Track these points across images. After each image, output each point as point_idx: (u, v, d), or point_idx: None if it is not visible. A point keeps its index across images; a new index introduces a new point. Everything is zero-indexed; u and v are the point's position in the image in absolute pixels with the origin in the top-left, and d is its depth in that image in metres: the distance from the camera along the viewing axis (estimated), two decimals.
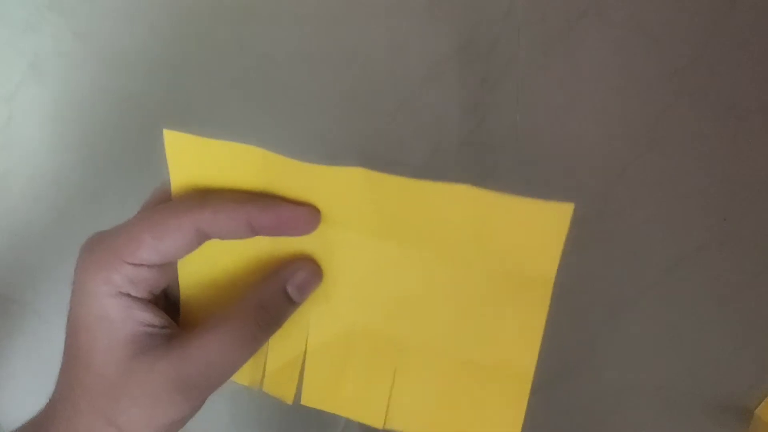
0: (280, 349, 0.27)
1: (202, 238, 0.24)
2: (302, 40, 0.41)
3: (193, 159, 0.26)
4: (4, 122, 0.43)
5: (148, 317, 0.24)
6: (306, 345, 0.27)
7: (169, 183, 0.26)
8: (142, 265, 0.24)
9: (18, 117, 0.43)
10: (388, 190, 0.25)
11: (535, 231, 0.24)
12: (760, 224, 0.37)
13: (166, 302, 0.28)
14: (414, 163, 0.40)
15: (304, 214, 0.25)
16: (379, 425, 0.27)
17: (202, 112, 0.42)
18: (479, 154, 0.40)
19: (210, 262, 0.27)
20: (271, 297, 0.25)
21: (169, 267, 0.25)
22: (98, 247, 0.24)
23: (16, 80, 0.42)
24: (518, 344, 0.26)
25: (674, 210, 0.38)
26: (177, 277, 0.27)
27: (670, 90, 0.38)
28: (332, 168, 0.24)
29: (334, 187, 0.25)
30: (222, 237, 0.24)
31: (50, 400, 0.25)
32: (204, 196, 0.25)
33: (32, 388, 0.41)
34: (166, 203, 0.25)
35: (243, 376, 0.28)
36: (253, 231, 0.24)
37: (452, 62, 0.40)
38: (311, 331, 0.27)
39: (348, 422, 0.39)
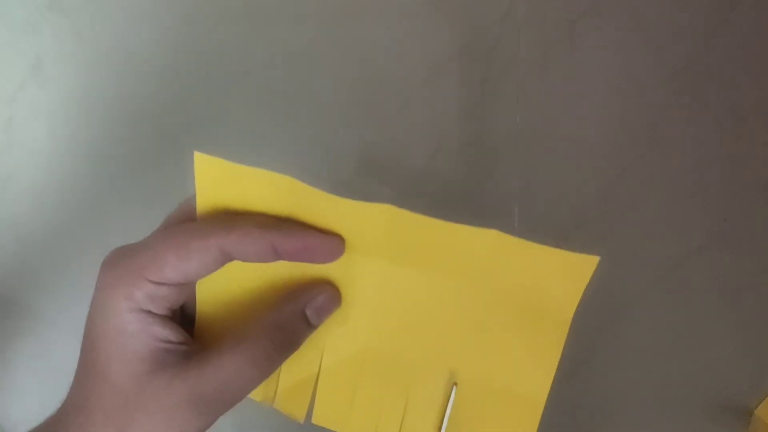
0: (294, 367, 0.28)
1: (226, 259, 0.24)
2: (303, 42, 0.41)
3: (221, 182, 0.26)
4: (6, 123, 0.43)
5: (166, 333, 0.24)
6: (320, 365, 0.27)
7: (194, 199, 0.26)
8: (164, 283, 0.24)
9: (19, 118, 0.43)
10: (412, 227, 0.25)
11: (557, 277, 0.25)
12: (760, 225, 0.37)
13: (182, 317, 0.28)
14: (415, 164, 0.40)
15: (329, 243, 0.25)
16: None
17: (202, 112, 0.42)
18: (480, 154, 0.40)
19: (228, 281, 0.27)
20: (290, 319, 0.25)
21: (189, 285, 0.25)
22: (121, 263, 0.24)
23: (17, 81, 0.43)
24: (532, 375, 0.26)
25: (674, 210, 0.38)
26: (194, 293, 0.27)
27: (669, 90, 0.38)
28: (360, 203, 0.25)
29: (360, 219, 0.25)
30: (246, 260, 0.24)
31: (62, 408, 0.25)
32: (230, 219, 0.25)
33: (34, 390, 0.41)
34: (191, 223, 0.26)
35: (256, 392, 0.28)
36: (277, 256, 0.25)
37: (453, 63, 0.40)
38: (326, 352, 0.27)
39: None
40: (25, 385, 0.41)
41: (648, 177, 0.38)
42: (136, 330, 0.24)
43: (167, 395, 0.23)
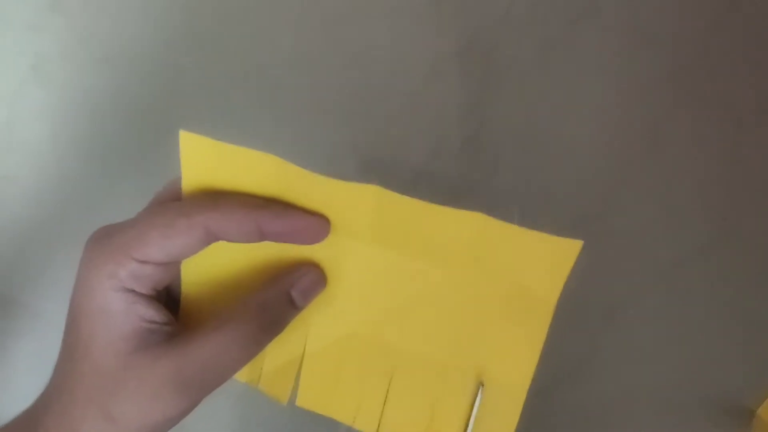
0: (279, 349, 0.28)
1: (210, 239, 0.24)
2: (303, 41, 0.42)
3: (206, 161, 0.26)
4: (5, 124, 0.43)
5: (150, 313, 0.24)
6: (305, 347, 0.27)
7: (180, 180, 0.26)
8: (148, 262, 0.24)
9: (19, 119, 0.43)
10: (399, 209, 0.25)
11: (541, 262, 0.25)
12: (760, 225, 0.37)
13: (168, 298, 0.28)
14: (415, 164, 0.40)
15: (315, 224, 0.25)
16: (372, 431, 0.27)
17: (203, 112, 0.42)
18: (480, 154, 0.40)
19: (213, 262, 0.27)
20: (275, 300, 0.25)
21: (173, 265, 0.25)
22: (105, 240, 0.24)
23: (17, 81, 0.43)
24: (515, 360, 0.26)
25: (674, 210, 0.38)
26: (179, 274, 0.27)
27: (669, 91, 0.38)
28: (346, 183, 0.24)
29: (346, 200, 0.25)
30: (231, 240, 0.24)
31: (45, 390, 0.25)
32: (215, 198, 0.25)
33: (31, 388, 0.41)
34: (176, 202, 0.25)
35: (241, 373, 0.28)
36: (263, 236, 0.25)
37: (452, 63, 0.40)
38: (311, 334, 0.27)
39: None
40: (23, 384, 0.41)
41: (648, 177, 0.38)
42: (120, 309, 0.24)
43: (150, 375, 0.23)
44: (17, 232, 0.42)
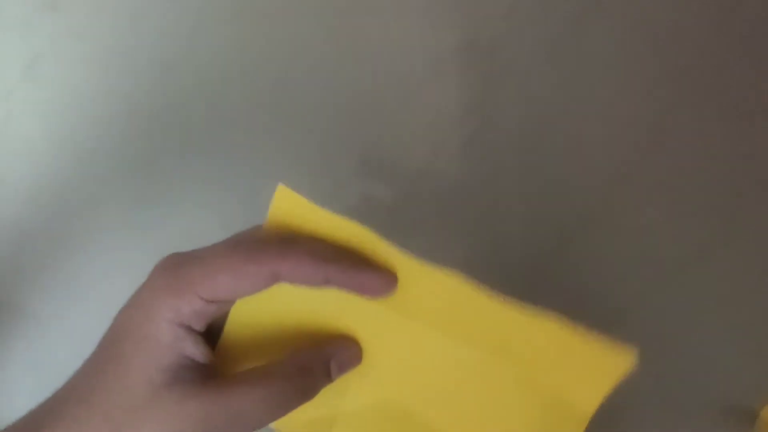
0: (311, 413, 0.27)
1: (276, 281, 0.24)
2: (303, 41, 0.41)
3: (294, 217, 0.26)
4: (2, 122, 0.42)
5: (194, 351, 0.24)
6: (337, 414, 0.28)
7: (261, 230, 0.26)
8: (213, 302, 0.24)
9: (15, 117, 0.42)
10: (473, 302, 0.25)
11: (588, 369, 0.25)
12: (764, 225, 0.37)
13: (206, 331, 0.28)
14: (415, 164, 0.40)
15: (381, 280, 0.25)
16: None
17: (201, 111, 0.42)
18: (481, 154, 0.40)
19: (266, 307, 0.27)
20: (313, 366, 0.25)
21: (229, 303, 0.25)
22: (175, 272, 0.24)
23: (13, 80, 0.42)
24: None
25: (677, 210, 0.38)
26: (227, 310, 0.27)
27: (672, 90, 0.38)
28: (430, 267, 0.25)
29: (424, 284, 0.26)
30: (296, 284, 0.25)
31: (56, 395, 0.25)
32: (287, 245, 0.25)
33: (28, 391, 0.40)
34: (249, 242, 0.25)
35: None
36: (329, 284, 0.25)
37: (454, 62, 0.40)
38: (346, 403, 0.27)
39: None
40: (20, 386, 0.41)
41: (651, 177, 0.38)
42: (168, 342, 0.24)
43: (178, 410, 0.23)
44: (12, 233, 0.42)
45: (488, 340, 0.26)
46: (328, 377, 0.26)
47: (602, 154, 0.38)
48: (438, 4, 0.40)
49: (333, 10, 0.41)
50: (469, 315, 0.26)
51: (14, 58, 0.42)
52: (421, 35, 0.40)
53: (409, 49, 0.40)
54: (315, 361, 0.26)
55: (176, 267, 0.24)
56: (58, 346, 0.41)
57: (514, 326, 0.25)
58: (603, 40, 0.38)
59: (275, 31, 0.42)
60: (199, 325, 0.24)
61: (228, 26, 0.42)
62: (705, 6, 0.37)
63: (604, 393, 0.25)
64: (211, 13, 0.42)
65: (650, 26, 0.38)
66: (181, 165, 0.42)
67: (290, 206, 0.26)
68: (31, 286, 0.42)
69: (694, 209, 0.38)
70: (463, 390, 0.27)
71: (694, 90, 0.38)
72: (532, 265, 0.39)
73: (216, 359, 0.26)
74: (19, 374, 0.41)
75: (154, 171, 0.42)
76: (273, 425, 0.27)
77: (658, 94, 0.38)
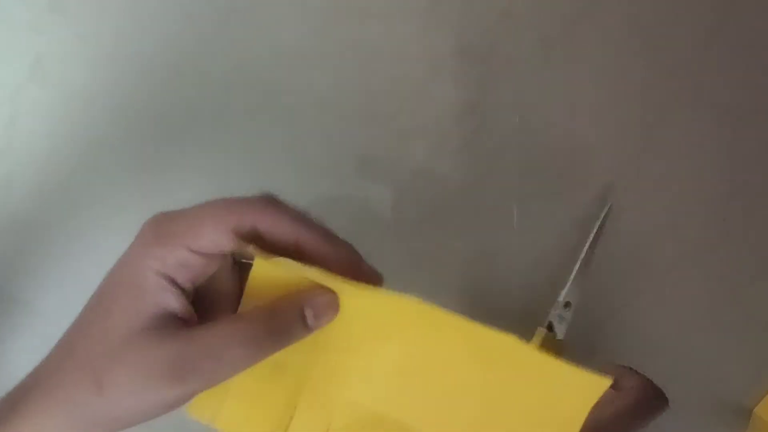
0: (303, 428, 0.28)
1: (254, 235, 0.25)
2: (304, 42, 0.42)
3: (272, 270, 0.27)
4: (7, 123, 0.43)
5: (175, 305, 0.25)
6: (331, 424, 0.28)
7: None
8: (196, 252, 0.25)
9: (20, 118, 0.43)
10: (434, 322, 0.26)
11: (565, 395, 0.25)
12: (759, 225, 0.37)
13: (199, 304, 0.28)
14: (415, 163, 0.41)
15: (348, 255, 0.26)
16: None
17: (202, 112, 0.42)
18: (479, 154, 0.40)
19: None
20: (285, 309, 0.26)
21: (214, 262, 0.26)
22: (162, 224, 0.25)
23: (17, 81, 0.43)
24: None
25: (674, 210, 0.38)
26: (217, 279, 0.27)
27: (668, 90, 0.38)
28: (388, 296, 0.25)
29: (387, 312, 0.26)
30: (270, 240, 0.25)
31: (50, 355, 0.25)
32: (268, 201, 0.26)
33: None
34: (232, 199, 0.26)
35: None
36: (298, 247, 0.26)
37: (452, 63, 0.40)
38: (334, 418, 0.28)
39: None
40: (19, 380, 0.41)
41: (647, 177, 0.38)
42: (150, 289, 0.24)
43: (151, 354, 0.23)
44: (17, 230, 0.42)
45: (466, 362, 0.26)
46: (303, 323, 0.26)
47: (598, 154, 0.39)
48: (436, 7, 0.40)
49: (334, 12, 0.41)
50: (443, 339, 0.26)
51: (20, 59, 0.43)
52: (420, 37, 0.40)
53: (408, 51, 0.40)
54: (287, 303, 0.26)
55: (163, 221, 0.25)
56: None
57: (491, 351, 0.26)
58: (598, 41, 0.39)
59: (277, 33, 0.42)
60: (183, 279, 0.25)
61: (230, 28, 0.42)
62: (699, 8, 0.37)
63: (583, 416, 0.25)
64: (213, 15, 0.42)
65: (645, 28, 0.38)
66: (183, 164, 0.42)
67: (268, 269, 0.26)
68: (35, 282, 0.42)
69: (689, 209, 0.38)
70: (442, 415, 0.27)
71: (690, 90, 0.38)
72: (530, 264, 0.40)
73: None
74: (22, 369, 0.42)
75: (156, 170, 0.43)
76: None
77: (652, 95, 0.38)
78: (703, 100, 0.38)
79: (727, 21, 0.37)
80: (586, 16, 0.39)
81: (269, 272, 0.26)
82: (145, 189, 0.42)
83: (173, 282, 0.25)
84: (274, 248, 0.26)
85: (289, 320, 0.26)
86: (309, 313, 0.26)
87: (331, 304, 0.26)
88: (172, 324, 0.24)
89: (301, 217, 0.26)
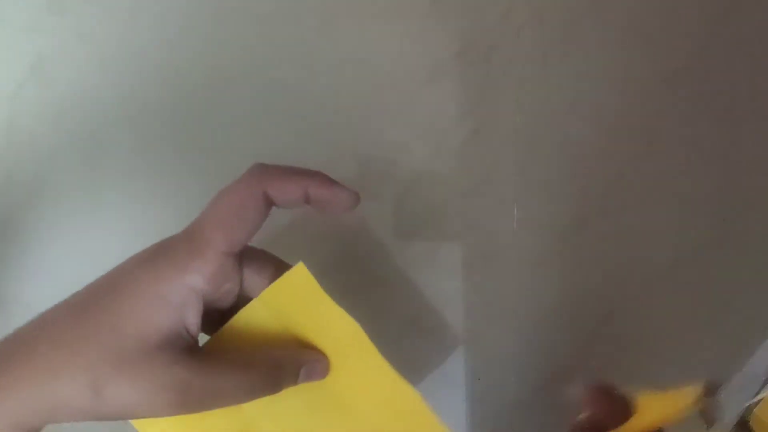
0: None
1: (270, 205, 0.26)
2: (303, 42, 0.42)
3: (295, 293, 0.28)
4: (6, 123, 0.43)
5: (193, 323, 0.25)
6: None
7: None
8: (230, 253, 0.25)
9: (20, 118, 0.43)
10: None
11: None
12: (758, 225, 0.37)
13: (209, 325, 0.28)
14: (415, 164, 0.41)
15: (350, 195, 0.28)
16: None
17: (204, 112, 0.42)
18: (479, 155, 0.40)
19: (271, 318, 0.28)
20: (288, 366, 0.27)
21: (235, 286, 0.26)
22: (192, 233, 0.25)
23: (17, 81, 0.43)
24: None
25: (673, 210, 0.38)
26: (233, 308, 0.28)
27: (668, 91, 0.38)
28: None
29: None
30: (283, 204, 0.26)
31: (23, 333, 0.24)
32: (266, 167, 0.28)
33: None
34: (234, 184, 0.27)
35: None
36: (309, 201, 0.27)
37: (452, 64, 0.40)
38: None
39: None
40: None
41: (647, 177, 0.39)
42: (177, 305, 0.24)
43: (163, 374, 0.23)
44: (17, 231, 0.42)
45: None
46: (294, 379, 0.27)
47: (598, 155, 0.39)
48: (437, 8, 0.40)
49: (334, 13, 0.41)
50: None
51: (20, 59, 0.43)
52: (420, 38, 0.40)
53: (408, 52, 0.40)
54: (290, 361, 0.27)
55: (191, 230, 0.25)
56: None
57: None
58: (598, 42, 0.39)
59: (277, 34, 0.42)
60: (211, 288, 0.25)
61: (231, 28, 0.42)
62: (699, 9, 0.37)
63: None
64: (215, 15, 0.42)
65: (645, 29, 0.38)
66: (184, 164, 0.42)
67: (300, 283, 0.27)
68: (36, 284, 0.43)
69: (689, 209, 0.38)
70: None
71: (689, 91, 0.38)
72: (528, 265, 0.40)
73: (213, 341, 0.27)
74: None
75: (156, 170, 0.43)
76: None
77: (653, 96, 0.38)
78: (703, 100, 0.38)
79: (727, 21, 0.37)
80: (586, 16, 0.39)
81: (258, 315, 0.27)
82: (145, 189, 0.42)
83: (199, 297, 0.25)
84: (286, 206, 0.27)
85: (287, 377, 0.27)
86: (303, 373, 0.27)
87: (323, 370, 0.28)
88: (183, 343, 0.25)
89: (300, 172, 0.27)
